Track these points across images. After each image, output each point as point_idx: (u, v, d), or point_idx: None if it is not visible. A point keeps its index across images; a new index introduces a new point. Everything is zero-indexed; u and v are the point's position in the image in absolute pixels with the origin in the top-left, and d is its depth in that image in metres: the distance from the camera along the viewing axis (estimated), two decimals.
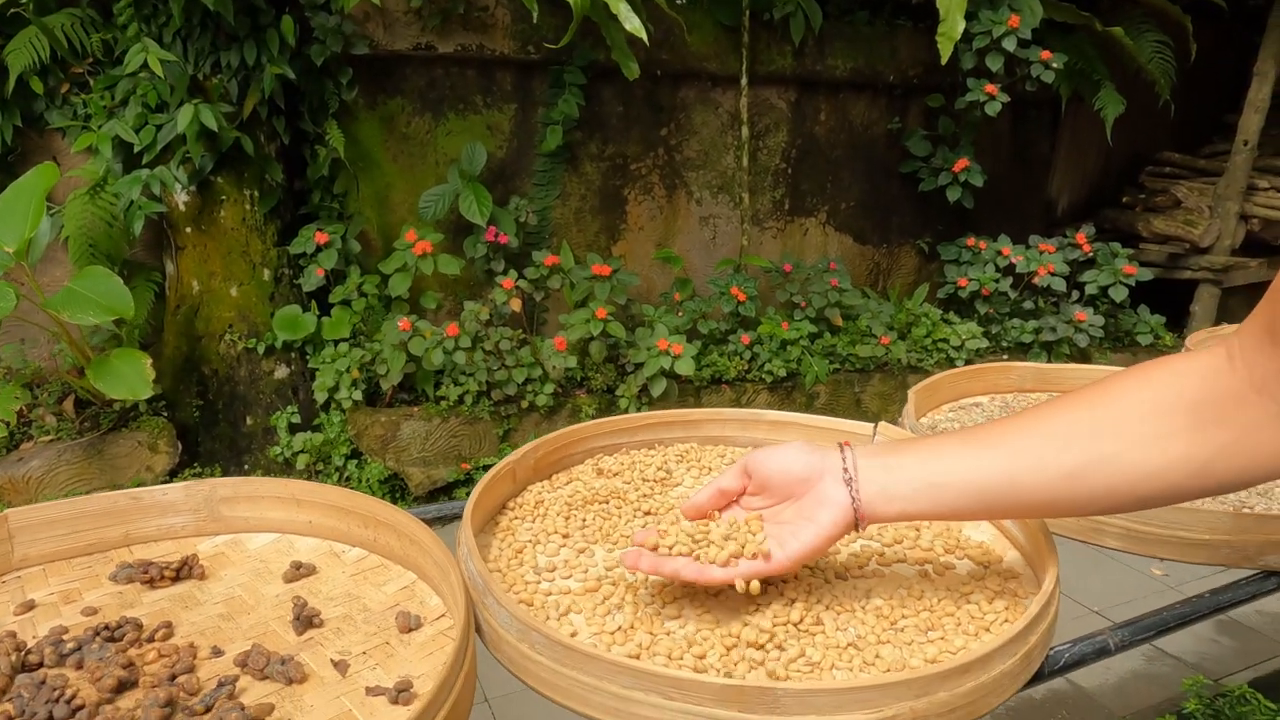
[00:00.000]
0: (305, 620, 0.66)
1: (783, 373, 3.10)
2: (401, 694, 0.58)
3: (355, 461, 2.75)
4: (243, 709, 0.55)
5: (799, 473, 0.66)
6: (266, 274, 2.74)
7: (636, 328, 3.04)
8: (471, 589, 0.66)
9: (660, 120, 3.26)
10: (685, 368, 2.84)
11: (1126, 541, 0.79)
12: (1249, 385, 0.52)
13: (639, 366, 2.91)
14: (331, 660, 0.62)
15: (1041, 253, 3.57)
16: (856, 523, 0.63)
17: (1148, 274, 3.64)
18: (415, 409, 2.77)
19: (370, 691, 0.59)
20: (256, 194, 2.68)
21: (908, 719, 0.54)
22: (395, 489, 2.81)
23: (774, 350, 3.15)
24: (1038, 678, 0.62)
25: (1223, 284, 3.83)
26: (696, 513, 0.71)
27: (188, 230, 2.66)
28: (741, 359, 3.13)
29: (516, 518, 0.84)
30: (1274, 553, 0.75)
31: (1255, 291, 3.96)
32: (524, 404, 2.79)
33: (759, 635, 0.64)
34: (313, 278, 2.75)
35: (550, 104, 3.02)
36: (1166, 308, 3.83)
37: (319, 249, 2.74)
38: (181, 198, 2.62)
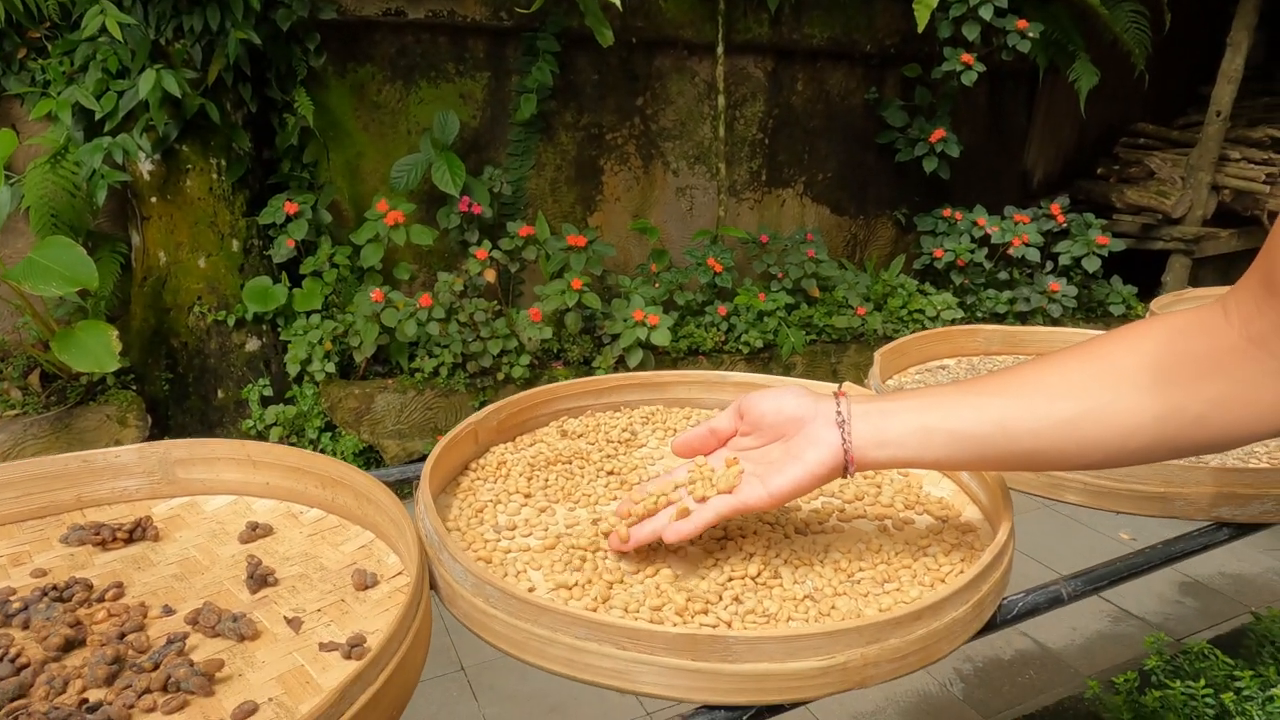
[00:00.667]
0: (259, 579, 0.66)
1: (759, 344, 3.11)
2: (355, 649, 0.58)
3: (329, 434, 2.73)
4: (191, 665, 0.55)
5: (791, 413, 0.65)
6: (235, 245, 2.70)
7: (612, 299, 3.03)
8: (427, 546, 0.65)
9: (636, 89, 3.23)
10: (661, 339, 2.83)
11: (1085, 496, 0.80)
12: (1246, 339, 0.52)
13: (615, 338, 2.90)
14: (285, 617, 0.62)
15: (1016, 224, 3.59)
16: (846, 466, 0.62)
17: (1120, 245, 3.67)
18: (390, 381, 2.75)
19: (323, 647, 0.59)
20: (223, 163, 2.63)
21: (859, 665, 0.54)
22: (370, 462, 2.79)
23: (751, 321, 3.15)
24: (991, 626, 0.63)
25: (1194, 254, 3.87)
26: (685, 449, 0.71)
27: (153, 200, 2.61)
28: (718, 330, 3.13)
29: (479, 478, 0.83)
30: (1227, 504, 0.76)
31: (1226, 262, 4.02)
32: (500, 376, 2.78)
33: (716, 589, 0.64)
34: (283, 249, 2.71)
35: (524, 72, 2.98)
36: (1139, 278, 3.87)
37: (289, 219, 2.70)
38: (146, 166, 2.56)
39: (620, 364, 2.90)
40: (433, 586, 0.65)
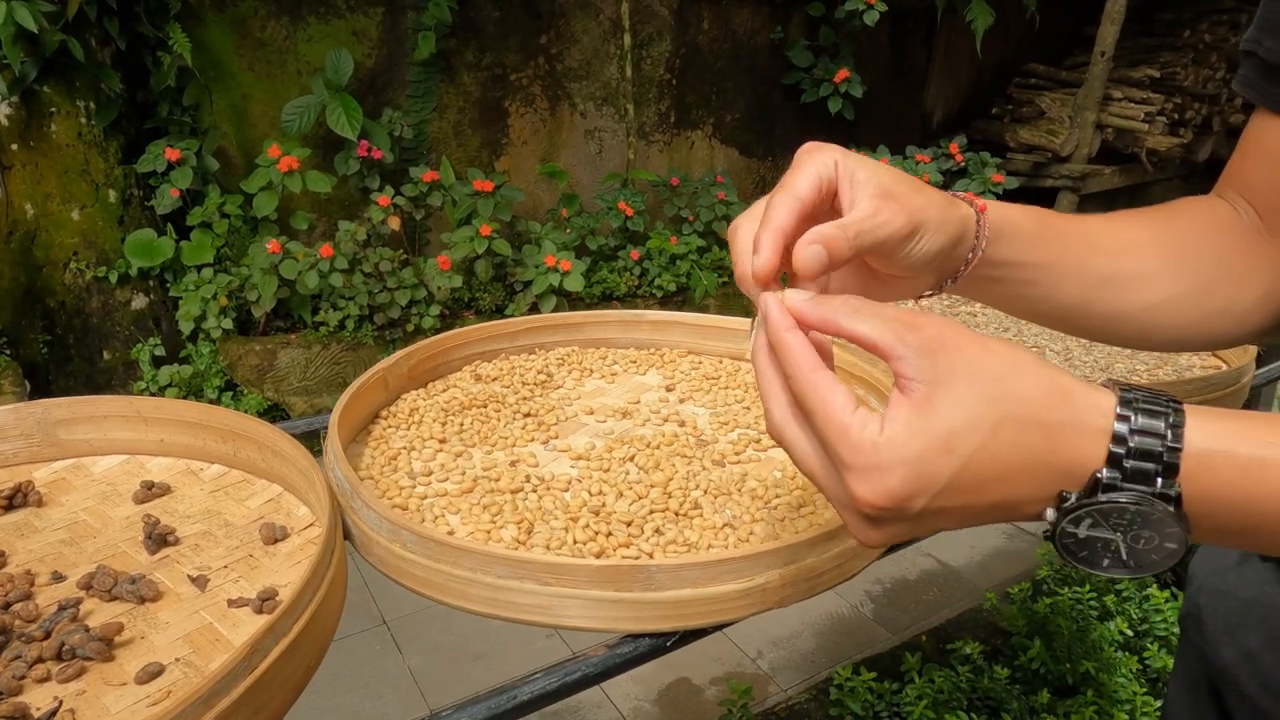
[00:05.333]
0: (158, 539, 0.62)
1: (672, 287, 3.12)
2: (266, 603, 0.56)
3: (230, 394, 2.62)
4: (87, 630, 0.52)
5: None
6: (112, 195, 2.51)
7: (523, 245, 2.97)
8: (339, 495, 0.63)
9: (539, 27, 3.12)
10: (575, 284, 2.81)
11: None
12: (1254, 231, 0.58)
13: (527, 285, 2.86)
14: (189, 576, 0.59)
15: (918, 163, 3.68)
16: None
17: (1014, 182, 3.82)
18: (293, 336, 2.64)
19: (233, 603, 0.56)
20: (92, 105, 2.42)
21: (777, 585, 0.55)
22: (276, 420, 2.69)
23: (663, 265, 3.15)
24: (905, 543, 0.65)
25: (1080, 191, 4.07)
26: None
27: (14, 147, 2.39)
28: (631, 275, 3.12)
29: (390, 426, 0.81)
30: None
31: (1109, 198, 4.23)
32: (409, 327, 2.71)
33: (639, 522, 0.64)
34: (166, 198, 2.54)
35: (420, 7, 2.84)
36: None
37: (171, 167, 2.52)
38: (3, 110, 2.34)
39: (533, 311, 2.86)
40: (346, 537, 0.63)
